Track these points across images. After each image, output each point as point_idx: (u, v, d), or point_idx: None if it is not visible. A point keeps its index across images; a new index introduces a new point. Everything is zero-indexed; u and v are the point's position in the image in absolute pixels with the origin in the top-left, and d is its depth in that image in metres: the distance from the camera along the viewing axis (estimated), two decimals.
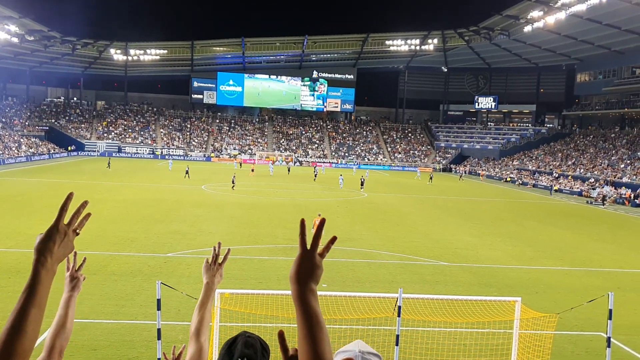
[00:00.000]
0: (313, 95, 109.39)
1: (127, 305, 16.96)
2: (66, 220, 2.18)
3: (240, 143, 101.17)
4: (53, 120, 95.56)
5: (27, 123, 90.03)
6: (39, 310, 2.04)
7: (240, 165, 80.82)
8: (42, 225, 21.14)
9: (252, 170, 70.60)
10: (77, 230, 2.26)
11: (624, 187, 62.44)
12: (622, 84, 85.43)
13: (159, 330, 10.43)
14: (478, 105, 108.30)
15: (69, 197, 2.18)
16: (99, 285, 18.69)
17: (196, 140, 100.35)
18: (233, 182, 50.76)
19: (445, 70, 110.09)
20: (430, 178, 73.56)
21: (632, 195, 58.71)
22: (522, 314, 12.43)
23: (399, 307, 11.09)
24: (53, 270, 2.12)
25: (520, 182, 76.72)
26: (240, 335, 2.41)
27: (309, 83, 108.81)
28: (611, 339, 10.88)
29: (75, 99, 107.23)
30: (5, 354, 1.84)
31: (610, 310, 10.77)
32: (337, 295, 14.57)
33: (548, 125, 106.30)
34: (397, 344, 11.05)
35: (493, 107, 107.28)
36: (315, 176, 66.31)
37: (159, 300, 10.36)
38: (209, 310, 3.24)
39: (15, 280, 18.80)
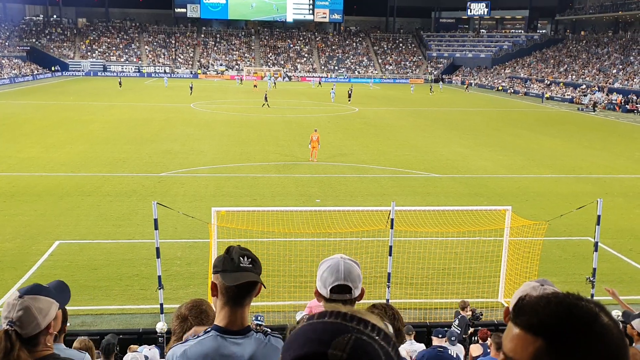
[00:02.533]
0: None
1: (124, 225, 17.19)
2: None
3: (227, 59, 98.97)
4: (34, 40, 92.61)
5: (7, 43, 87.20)
6: None
7: (241, 81, 79.45)
8: (33, 148, 21.23)
9: (255, 87, 69.98)
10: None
11: (615, 93, 62.23)
12: None
13: (157, 248, 10.60)
14: (470, 11, 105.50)
15: None
16: (95, 207, 18.86)
17: (182, 57, 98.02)
18: (266, 100, 49.83)
19: None
20: (431, 89, 72.95)
21: (623, 101, 58.65)
22: (512, 222, 12.69)
23: (392, 220, 11.28)
24: None
25: (512, 90, 76.22)
26: (230, 246, 2.61)
27: None
28: (598, 244, 11.19)
29: (55, 16, 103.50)
30: None
31: (599, 216, 10.99)
32: (330, 210, 14.80)
33: (540, 32, 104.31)
34: (390, 254, 11.33)
35: (485, 13, 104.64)
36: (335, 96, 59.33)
37: (155, 220, 10.46)
38: None
39: (9, 204, 18.92)
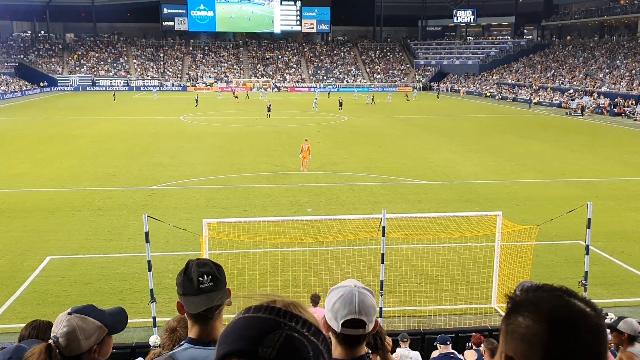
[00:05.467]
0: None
1: (115, 239, 17.09)
2: None
3: (216, 71, 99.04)
4: (22, 56, 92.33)
5: None
6: None
7: (235, 94, 77.27)
8: (23, 164, 21.08)
9: (236, 97, 70.43)
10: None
11: (602, 97, 62.78)
12: None
13: (149, 262, 10.56)
14: (457, 19, 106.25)
15: None
16: (86, 221, 18.75)
17: (170, 70, 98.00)
18: (269, 110, 50.28)
19: None
20: (407, 97, 73.80)
21: (611, 105, 59.16)
22: (504, 227, 12.73)
23: (383, 227, 11.29)
24: None
25: (500, 96, 76.72)
26: (189, 261, 2.48)
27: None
28: (590, 247, 11.25)
29: (42, 32, 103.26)
30: None
31: (589, 220, 11.05)
32: (322, 220, 14.77)
33: (527, 37, 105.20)
34: (382, 262, 11.33)
35: (472, 20, 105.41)
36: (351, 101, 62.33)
37: (146, 233, 10.43)
38: None
39: (0, 221, 18.77)
